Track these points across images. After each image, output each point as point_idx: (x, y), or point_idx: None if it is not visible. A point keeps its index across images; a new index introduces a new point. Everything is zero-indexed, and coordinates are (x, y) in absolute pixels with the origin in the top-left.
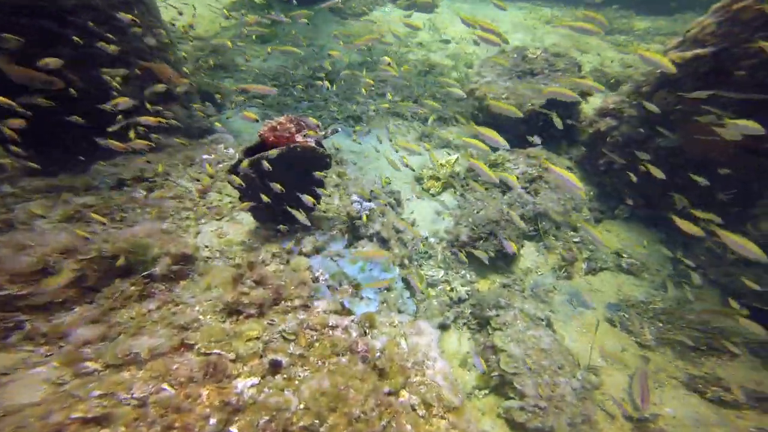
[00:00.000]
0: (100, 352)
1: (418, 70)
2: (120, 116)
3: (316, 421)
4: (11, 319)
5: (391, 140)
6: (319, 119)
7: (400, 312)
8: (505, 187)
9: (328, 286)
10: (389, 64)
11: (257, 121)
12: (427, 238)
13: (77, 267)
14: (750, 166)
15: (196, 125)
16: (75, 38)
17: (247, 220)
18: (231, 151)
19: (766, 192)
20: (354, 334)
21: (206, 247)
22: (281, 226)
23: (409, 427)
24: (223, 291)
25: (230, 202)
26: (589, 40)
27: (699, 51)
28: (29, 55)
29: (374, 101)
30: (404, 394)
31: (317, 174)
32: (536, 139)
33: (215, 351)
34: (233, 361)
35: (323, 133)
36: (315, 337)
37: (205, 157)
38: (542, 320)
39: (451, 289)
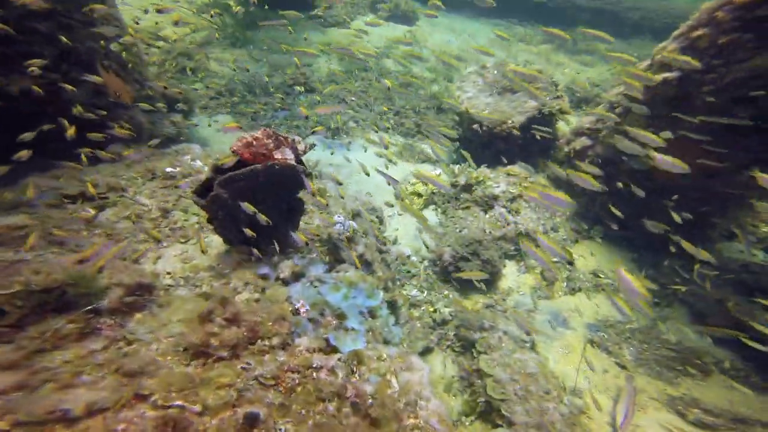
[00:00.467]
0: (12, 407)
1: (399, 83)
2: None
3: None
4: None
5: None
6: (297, 129)
7: (386, 342)
8: (486, 206)
9: (310, 319)
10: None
11: (240, 128)
12: (409, 256)
13: None
14: (708, 190)
15: (159, 132)
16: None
17: (216, 242)
18: (198, 163)
19: (723, 213)
20: (341, 375)
21: (168, 274)
22: (255, 250)
23: None
24: (188, 330)
25: (197, 222)
26: (559, 59)
27: (667, 75)
28: None
29: (355, 111)
30: None
31: (296, 193)
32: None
33: (176, 403)
34: (199, 414)
35: (303, 148)
36: (297, 381)
37: (168, 170)
38: (526, 342)
39: (434, 310)
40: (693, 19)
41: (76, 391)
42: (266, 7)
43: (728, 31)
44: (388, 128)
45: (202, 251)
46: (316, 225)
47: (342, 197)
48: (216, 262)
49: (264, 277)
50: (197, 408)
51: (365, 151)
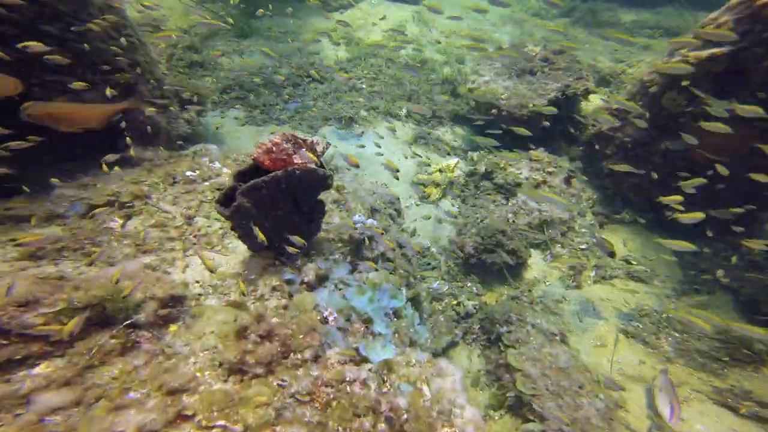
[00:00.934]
0: (73, 425)
1: (409, 66)
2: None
3: None
4: None
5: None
6: (309, 120)
7: (412, 343)
8: (508, 194)
9: (339, 328)
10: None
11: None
12: (428, 247)
13: (40, 322)
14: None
15: (175, 133)
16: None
17: (241, 249)
18: (216, 165)
19: None
20: (373, 387)
21: (197, 282)
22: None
23: None
24: (224, 348)
25: (221, 228)
26: (577, 34)
27: (715, 50)
28: None
29: (366, 100)
30: None
31: (316, 195)
32: None
33: (220, 423)
34: None
35: (321, 149)
36: (332, 396)
37: (189, 173)
38: (556, 335)
39: (458, 303)
40: None
41: (126, 412)
42: None
43: None
44: (401, 116)
45: (210, 270)
46: (336, 224)
47: (358, 189)
48: (242, 268)
49: (289, 282)
50: (239, 429)
51: (377, 146)
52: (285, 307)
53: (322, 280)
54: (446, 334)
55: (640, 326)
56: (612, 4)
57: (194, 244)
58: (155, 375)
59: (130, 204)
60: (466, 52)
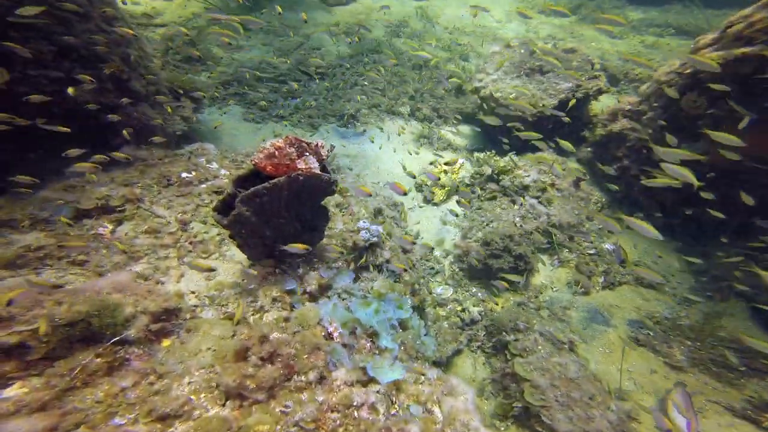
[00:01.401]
0: None
1: (412, 64)
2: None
3: None
4: None
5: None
6: (310, 118)
7: (418, 354)
8: (516, 197)
9: (344, 344)
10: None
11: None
12: (432, 249)
13: (14, 342)
14: None
15: (170, 130)
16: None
17: (240, 257)
18: (214, 165)
19: None
20: (382, 411)
21: (192, 293)
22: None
23: None
24: (222, 371)
25: (218, 234)
26: (583, 31)
27: (746, 50)
28: None
29: (369, 98)
30: None
31: (320, 201)
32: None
33: None
34: None
35: (326, 153)
36: (338, 422)
37: (184, 175)
38: (565, 344)
39: (462, 309)
40: None
41: None
42: None
43: None
44: (404, 114)
45: (208, 270)
46: (339, 230)
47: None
48: (240, 277)
49: (291, 292)
50: None
51: (379, 147)
52: (286, 319)
53: (324, 289)
54: (451, 342)
55: (651, 334)
56: (620, 2)
57: (190, 251)
58: (145, 398)
59: (122, 208)
60: (470, 48)
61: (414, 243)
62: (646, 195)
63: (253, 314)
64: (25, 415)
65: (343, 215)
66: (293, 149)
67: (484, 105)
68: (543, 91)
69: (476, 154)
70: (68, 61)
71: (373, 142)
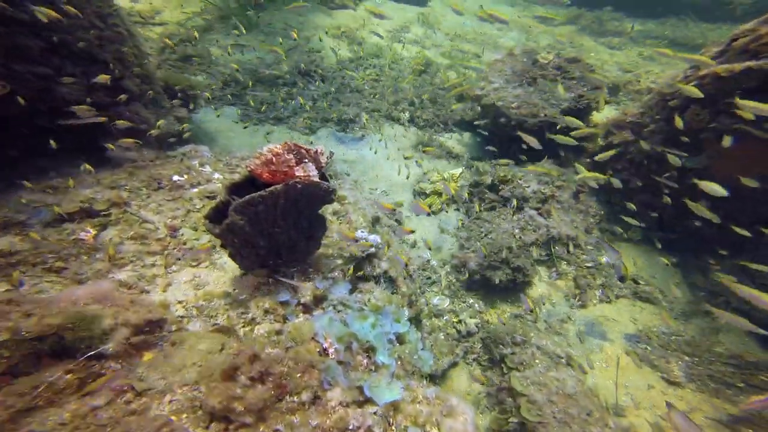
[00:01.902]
0: None
1: (412, 69)
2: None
3: None
4: None
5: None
6: (308, 121)
7: (415, 369)
8: (515, 208)
9: (339, 362)
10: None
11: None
12: (429, 260)
13: None
14: None
15: (165, 131)
16: None
17: (231, 265)
18: (207, 169)
19: None
20: None
21: (180, 302)
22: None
23: None
24: (207, 392)
25: (209, 241)
26: (583, 42)
27: (751, 63)
28: None
29: (368, 102)
30: None
31: (318, 210)
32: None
33: None
34: None
35: (325, 160)
36: None
37: (176, 178)
38: (562, 358)
39: (459, 321)
40: None
41: None
42: None
43: None
44: (403, 120)
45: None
46: (335, 239)
47: (360, 200)
48: (231, 287)
49: (284, 303)
50: None
51: (378, 151)
52: (279, 332)
53: (319, 301)
54: (447, 354)
55: (648, 348)
56: (618, 14)
57: (178, 259)
58: (118, 418)
59: (106, 212)
60: (472, 56)
61: (407, 265)
62: (642, 208)
63: (243, 326)
64: None
65: (340, 223)
66: (292, 156)
67: (486, 113)
68: (545, 101)
69: (476, 162)
70: (58, 57)
71: (371, 149)
